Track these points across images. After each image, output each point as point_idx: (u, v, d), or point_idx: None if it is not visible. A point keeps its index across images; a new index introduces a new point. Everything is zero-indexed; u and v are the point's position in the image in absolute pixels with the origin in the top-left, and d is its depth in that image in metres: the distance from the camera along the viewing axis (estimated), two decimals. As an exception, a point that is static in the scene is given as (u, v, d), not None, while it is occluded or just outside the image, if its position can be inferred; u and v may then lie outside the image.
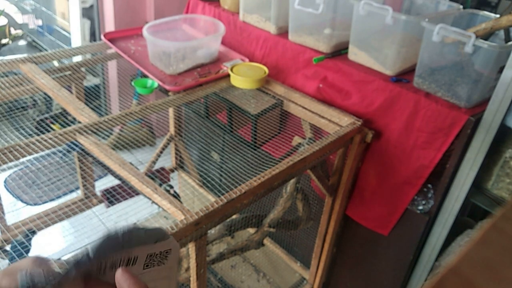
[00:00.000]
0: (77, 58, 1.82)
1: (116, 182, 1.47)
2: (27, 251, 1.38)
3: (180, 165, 2.18)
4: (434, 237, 1.45)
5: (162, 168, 1.62)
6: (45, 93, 1.46)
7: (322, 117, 1.46)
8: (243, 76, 1.53)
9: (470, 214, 1.61)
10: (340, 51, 1.57)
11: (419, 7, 1.60)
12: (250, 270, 2.16)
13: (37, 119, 2.59)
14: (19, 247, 1.36)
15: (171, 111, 1.99)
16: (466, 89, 1.27)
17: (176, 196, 1.38)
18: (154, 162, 1.98)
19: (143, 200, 1.18)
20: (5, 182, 2.50)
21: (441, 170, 1.35)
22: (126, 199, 1.52)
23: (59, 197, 2.39)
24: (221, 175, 2.08)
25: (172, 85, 1.51)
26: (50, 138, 1.18)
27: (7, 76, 1.48)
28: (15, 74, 1.52)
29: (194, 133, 2.08)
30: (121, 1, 2.67)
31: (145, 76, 1.59)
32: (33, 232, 1.46)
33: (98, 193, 1.91)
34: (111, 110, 2.97)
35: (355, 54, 1.51)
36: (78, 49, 1.74)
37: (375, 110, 1.44)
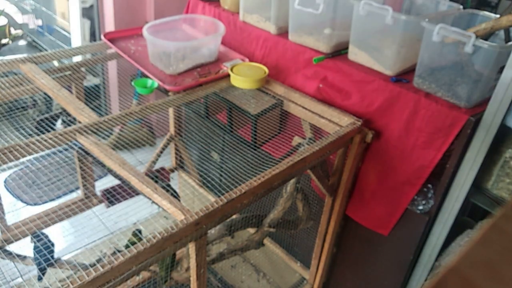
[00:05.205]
0: (77, 58, 1.82)
1: (116, 182, 1.47)
2: (50, 252, 1.40)
3: (180, 165, 2.18)
4: (434, 237, 1.45)
5: (162, 168, 1.62)
6: (45, 93, 1.46)
7: (322, 117, 1.46)
8: (243, 76, 1.53)
9: (470, 214, 1.61)
10: (340, 51, 1.57)
11: (419, 7, 1.60)
12: (250, 270, 2.16)
13: (37, 119, 2.59)
14: (42, 249, 1.37)
15: (171, 111, 1.99)
16: (466, 89, 1.27)
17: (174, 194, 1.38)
18: (154, 162, 1.97)
19: (143, 200, 1.18)
20: (5, 182, 2.50)
21: (441, 170, 1.35)
22: (126, 199, 1.52)
23: (59, 197, 2.39)
24: (221, 175, 2.07)
25: (172, 85, 1.51)
26: (50, 138, 1.18)
27: (7, 76, 1.48)
28: (15, 74, 1.52)
29: (194, 133, 2.08)
30: (121, 1, 2.67)
31: (145, 76, 1.59)
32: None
33: (98, 193, 1.91)
34: (111, 110, 2.97)
35: (355, 54, 1.51)
36: (78, 49, 1.74)
37: (375, 110, 1.44)
